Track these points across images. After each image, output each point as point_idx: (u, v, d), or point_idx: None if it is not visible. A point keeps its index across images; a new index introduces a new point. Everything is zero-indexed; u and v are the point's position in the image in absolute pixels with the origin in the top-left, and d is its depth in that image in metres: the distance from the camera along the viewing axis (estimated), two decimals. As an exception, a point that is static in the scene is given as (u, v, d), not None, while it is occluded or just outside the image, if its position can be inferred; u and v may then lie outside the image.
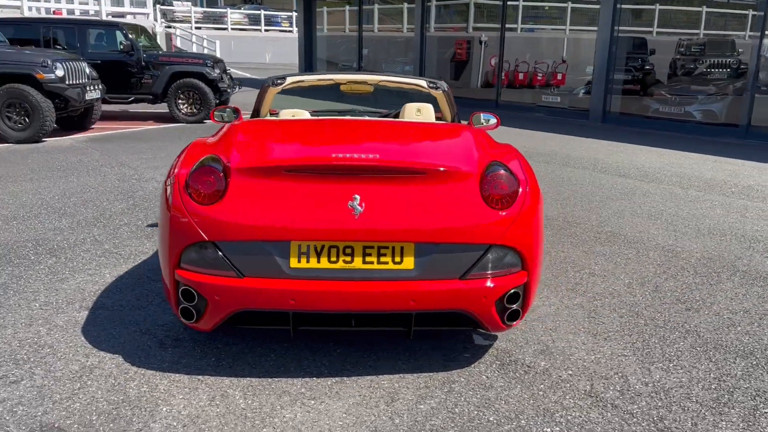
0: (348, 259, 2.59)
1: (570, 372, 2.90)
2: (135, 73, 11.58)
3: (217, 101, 12.05)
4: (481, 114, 4.67)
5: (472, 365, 2.93)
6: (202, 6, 40.31)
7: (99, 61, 11.55)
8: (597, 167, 7.95)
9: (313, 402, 2.60)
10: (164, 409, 2.52)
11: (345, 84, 4.47)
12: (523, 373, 2.88)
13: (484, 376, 2.84)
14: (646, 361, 3.01)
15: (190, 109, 11.73)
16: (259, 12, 34.88)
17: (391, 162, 2.63)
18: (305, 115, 3.94)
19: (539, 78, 15.38)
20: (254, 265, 2.59)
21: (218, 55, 27.22)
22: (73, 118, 10.16)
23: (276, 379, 2.76)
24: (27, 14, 13.93)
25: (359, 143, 2.93)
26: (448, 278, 2.64)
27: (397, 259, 2.61)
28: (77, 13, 16.04)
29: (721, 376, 2.89)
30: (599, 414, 2.57)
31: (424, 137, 3.15)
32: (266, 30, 34.30)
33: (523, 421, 2.50)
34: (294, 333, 2.85)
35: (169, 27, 30.66)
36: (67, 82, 9.31)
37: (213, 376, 2.78)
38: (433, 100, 4.60)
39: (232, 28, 33.49)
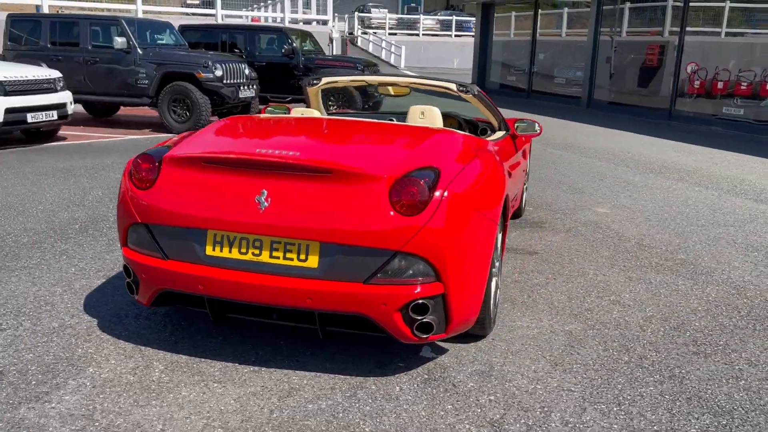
0: (256, 252, 2.68)
1: (492, 398, 2.69)
2: (294, 75, 12.50)
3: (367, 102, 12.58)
4: (525, 121, 4.46)
5: (396, 375, 2.85)
6: (402, 13, 41.94)
7: (264, 63, 12.68)
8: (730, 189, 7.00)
9: (216, 385, 2.73)
10: (91, 370, 2.82)
11: (378, 86, 4.52)
12: (441, 391, 2.73)
13: (397, 387, 2.75)
14: (588, 400, 2.69)
15: (338, 109, 12.36)
16: (451, 18, 35.38)
17: (298, 160, 2.65)
18: (314, 114, 4.05)
19: (743, 88, 13.72)
20: (177, 249, 2.78)
21: (403, 60, 28.20)
22: (233, 112, 11.25)
23: (203, 360, 2.93)
24: (220, 21, 15.64)
25: (292, 141, 2.98)
26: (351, 281, 2.60)
27: (302, 256, 2.63)
28: (270, 20, 17.64)
29: (667, 430, 2.49)
30: (484, 445, 2.38)
31: (375, 140, 3.10)
32: (457, 35, 34.70)
33: (396, 437, 2.40)
34: (221, 319, 2.99)
35: (365, 33, 32.40)
36: (224, 81, 10.36)
37: (154, 349, 3.02)
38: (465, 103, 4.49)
39: (423, 34, 34.41)
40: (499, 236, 3.31)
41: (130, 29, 10.53)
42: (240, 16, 17.02)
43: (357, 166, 2.62)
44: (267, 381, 2.77)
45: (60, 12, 15.05)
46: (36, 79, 8.69)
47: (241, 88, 10.70)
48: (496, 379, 2.84)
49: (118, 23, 10.45)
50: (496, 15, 20.94)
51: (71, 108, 9.21)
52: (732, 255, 4.72)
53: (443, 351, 3.09)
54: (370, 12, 36.48)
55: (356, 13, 34.42)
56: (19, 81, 8.41)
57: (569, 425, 2.51)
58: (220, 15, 15.73)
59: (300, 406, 2.59)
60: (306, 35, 13.62)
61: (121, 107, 12.00)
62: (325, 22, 18.19)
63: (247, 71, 11.11)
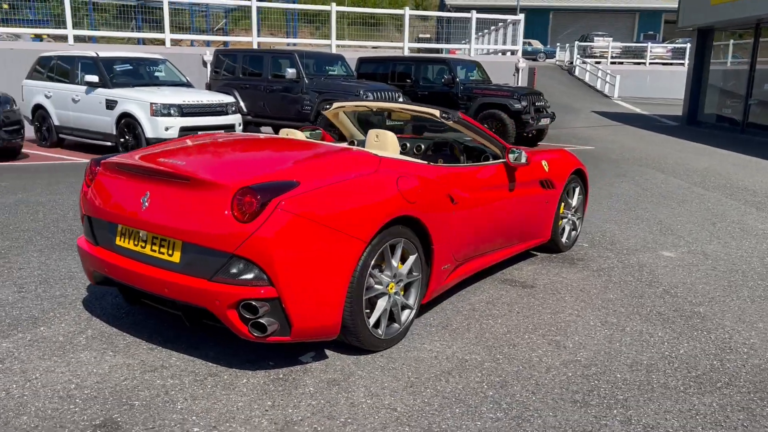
0: (143, 244, 3.18)
1: (314, 403, 2.84)
2: (452, 104, 12.88)
3: (526, 133, 12.52)
4: (516, 150, 4.39)
5: (257, 371, 3.12)
6: (638, 41, 39.73)
7: (426, 93, 13.26)
8: None
9: (111, 355, 3.26)
10: (42, 329, 3.54)
11: (375, 111, 4.75)
12: (280, 390, 2.94)
13: (244, 380, 3.02)
14: (400, 421, 2.69)
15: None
16: (685, 45, 32.66)
17: (166, 168, 3.09)
18: (298, 135, 4.42)
19: None
20: (101, 237, 3.40)
21: (617, 90, 26.81)
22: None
23: (123, 334, 3.50)
24: (407, 53, 16.64)
25: (188, 153, 3.40)
26: (199, 277, 2.96)
27: (170, 252, 3.07)
28: (466, 52, 18.25)
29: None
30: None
31: (258, 154, 3.41)
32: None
33: (194, 417, 2.69)
34: (135, 301, 3.49)
35: (584, 63, 31.43)
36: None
37: (100, 321, 3.67)
38: (449, 129, 4.52)
39: (650, 63, 32.27)
40: (394, 255, 3.36)
41: (303, 62, 11.85)
42: (439, 49, 17.76)
43: (208, 176, 2.98)
44: (148, 357, 3.24)
45: (272, 48, 17.29)
46: (209, 104, 10.28)
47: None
48: (338, 389, 2.96)
49: (292, 56, 11.83)
50: (714, 42, 19.03)
51: (239, 129, 10.68)
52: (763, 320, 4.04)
53: (322, 358, 3.27)
54: (593, 41, 35.27)
55: (576, 42, 33.54)
56: (194, 105, 10.05)
57: (350, 438, 2.57)
58: (407, 48, 16.69)
59: (151, 380, 3.01)
60: (475, 65, 13.91)
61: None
62: (513, 53, 18.24)
63: (401, 100, 11.77)
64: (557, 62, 35.44)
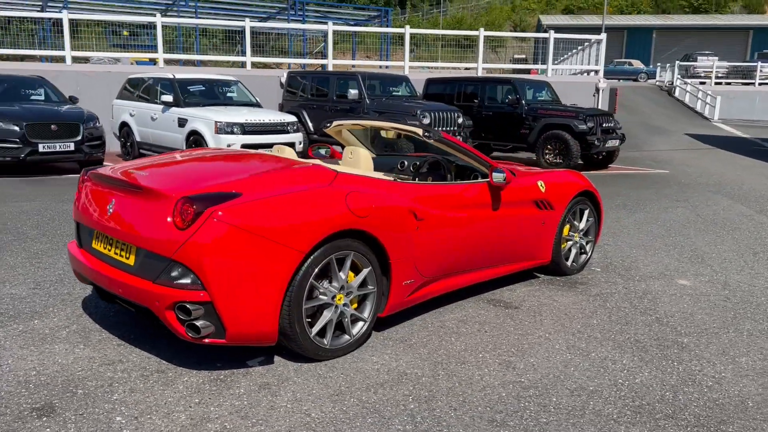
0: (109, 247, 3.47)
1: (231, 403, 2.99)
2: (516, 124, 12.75)
3: (594, 155, 12.21)
4: (497, 169, 4.39)
5: (203, 372, 3.32)
6: (751, 60, 37.42)
7: (491, 113, 13.22)
8: None
9: (81, 347, 3.57)
10: (36, 321, 3.92)
11: (366, 129, 4.88)
12: (207, 391, 3.12)
13: (185, 378, 3.23)
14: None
15: (555, 158, 12.19)
16: (800, 64, 30.38)
17: (124, 178, 3.37)
18: (287, 152, 4.60)
19: None
20: (84, 241, 3.74)
21: (717, 112, 25.36)
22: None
23: (102, 330, 3.81)
24: (481, 74, 16.64)
25: (153, 166, 3.66)
26: (146, 279, 3.21)
27: (127, 255, 3.34)
28: (548, 73, 18.02)
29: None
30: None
31: (215, 168, 3.61)
32: (805, 84, 29.65)
33: (123, 408, 2.92)
34: (112, 301, 3.78)
35: (684, 83, 29.98)
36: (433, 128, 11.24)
37: (89, 319, 4.01)
38: (433, 147, 4.58)
39: (760, 83, 30.24)
40: (343, 267, 3.46)
41: (367, 83, 12.18)
42: (526, 70, 17.70)
43: (156, 186, 3.23)
44: (112, 352, 3.52)
45: (349, 69, 17.81)
46: (271, 122, 10.78)
47: (458, 135, 11.43)
48: (266, 392, 3.10)
49: (355, 77, 12.18)
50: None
51: (299, 147, 11.11)
52: (751, 353, 3.78)
53: (268, 363, 3.43)
54: (696, 60, 33.56)
55: (677, 61, 32.05)
56: (256, 123, 10.57)
57: (250, 437, 2.70)
58: (480, 69, 16.69)
59: (103, 372, 3.28)
60: (545, 85, 13.70)
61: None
62: (596, 72, 17.77)
63: (460, 120, 11.83)
64: (657, 83, 33.96)
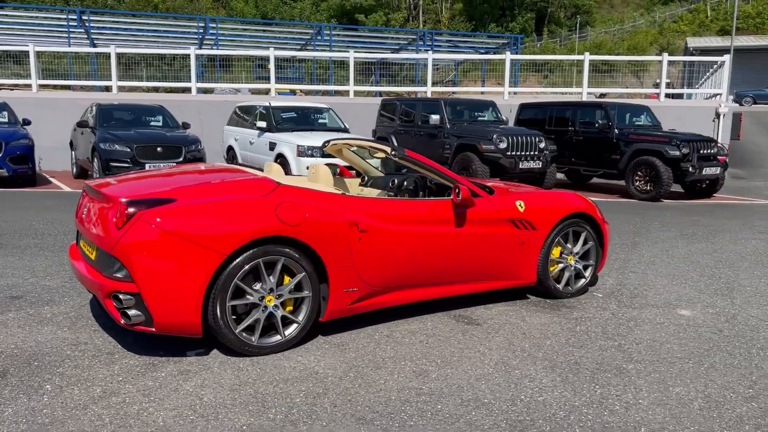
0: (85, 246, 4.05)
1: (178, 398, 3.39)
2: (607, 150, 12.30)
3: (697, 183, 11.58)
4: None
5: (151, 358, 3.76)
6: None
7: (582, 138, 12.88)
8: None
9: (65, 330, 4.17)
10: (30, 310, 4.61)
11: (349, 145, 5.15)
12: (143, 382, 3.55)
13: (157, 375, 3.69)
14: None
15: (645, 185, 11.58)
16: None
17: (96, 188, 3.91)
18: (274, 169, 4.97)
19: None
20: (78, 242, 4.37)
21: None
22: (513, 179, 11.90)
23: (97, 327, 4.40)
24: (585, 98, 16.19)
25: (129, 180, 4.16)
26: (99, 272, 3.73)
27: (92, 251, 3.89)
28: (662, 98, 17.19)
29: (176, 439, 2.81)
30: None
31: (170, 178, 4.04)
32: None
33: (57, 379, 3.42)
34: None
35: None
36: (507, 153, 11.24)
37: (87, 314, 4.63)
38: (400, 165, 4.73)
39: None
40: (273, 271, 3.75)
41: (450, 108, 12.42)
42: (619, 94, 16.97)
43: (109, 193, 3.75)
44: (85, 336, 4.07)
45: (453, 96, 18.07)
46: (350, 146, 11.31)
47: (526, 159, 11.32)
48: (172, 379, 3.47)
49: (437, 103, 12.45)
50: None
51: (378, 170, 11.54)
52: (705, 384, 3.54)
53: (203, 354, 3.79)
54: None
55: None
56: (311, 147, 11.16)
57: None
58: (585, 93, 16.23)
59: (65, 350, 3.82)
60: (644, 110, 13.10)
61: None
62: (718, 96, 16.60)
63: (542, 144, 11.65)
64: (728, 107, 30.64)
